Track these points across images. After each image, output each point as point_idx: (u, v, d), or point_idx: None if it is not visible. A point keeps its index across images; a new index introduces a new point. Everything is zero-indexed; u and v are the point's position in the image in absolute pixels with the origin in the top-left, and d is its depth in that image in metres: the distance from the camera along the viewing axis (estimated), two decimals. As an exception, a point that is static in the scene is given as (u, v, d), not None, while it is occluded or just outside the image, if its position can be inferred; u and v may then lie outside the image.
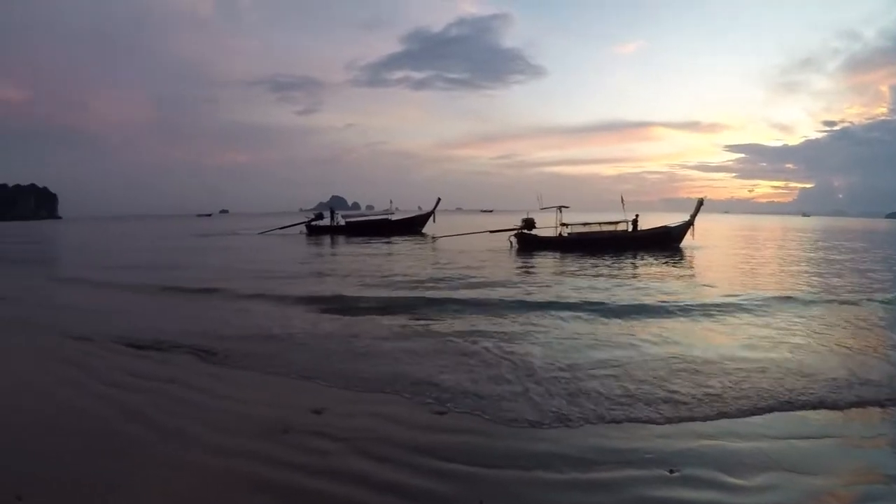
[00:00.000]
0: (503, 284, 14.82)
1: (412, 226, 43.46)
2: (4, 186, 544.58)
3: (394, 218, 45.71)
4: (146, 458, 4.80)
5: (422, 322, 10.25)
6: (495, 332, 9.16)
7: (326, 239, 40.30)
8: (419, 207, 56.75)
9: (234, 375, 7.26)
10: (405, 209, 57.55)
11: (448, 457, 4.71)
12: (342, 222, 45.76)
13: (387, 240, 36.08)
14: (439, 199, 43.86)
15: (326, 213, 47.35)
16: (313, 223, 46.32)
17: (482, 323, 9.96)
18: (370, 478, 4.39)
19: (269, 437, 5.16)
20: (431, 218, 42.90)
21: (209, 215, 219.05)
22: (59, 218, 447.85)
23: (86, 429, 5.47)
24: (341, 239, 39.58)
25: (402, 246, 31.34)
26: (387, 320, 10.39)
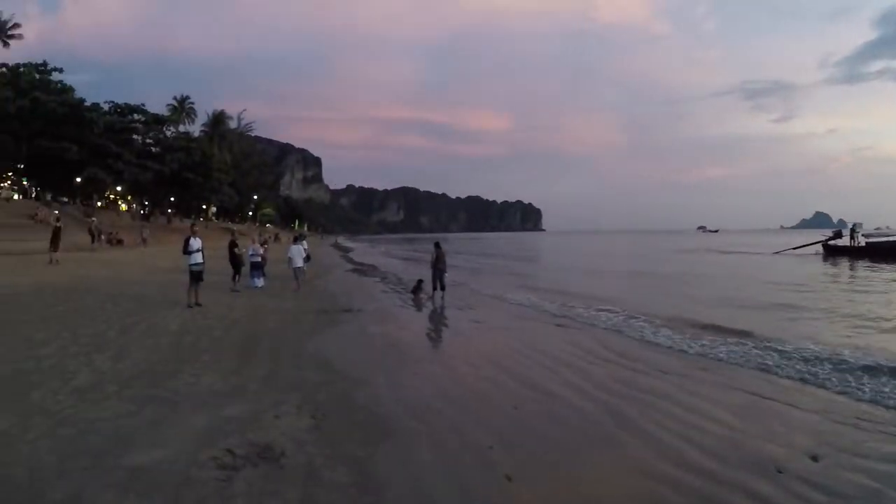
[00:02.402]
0: None
1: None
2: (495, 202, 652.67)
3: None
4: (623, 460, 5.60)
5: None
6: None
7: (845, 262, 37.55)
8: None
9: (730, 399, 7.74)
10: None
11: None
12: (863, 242, 41.31)
13: None
14: None
15: (846, 232, 44.25)
16: (830, 243, 44.10)
17: None
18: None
19: (761, 472, 5.29)
20: None
21: (716, 231, 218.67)
22: (543, 230, 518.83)
23: (580, 425, 6.55)
24: (862, 263, 35.82)
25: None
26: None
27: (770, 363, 9.94)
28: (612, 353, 10.78)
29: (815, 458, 5.61)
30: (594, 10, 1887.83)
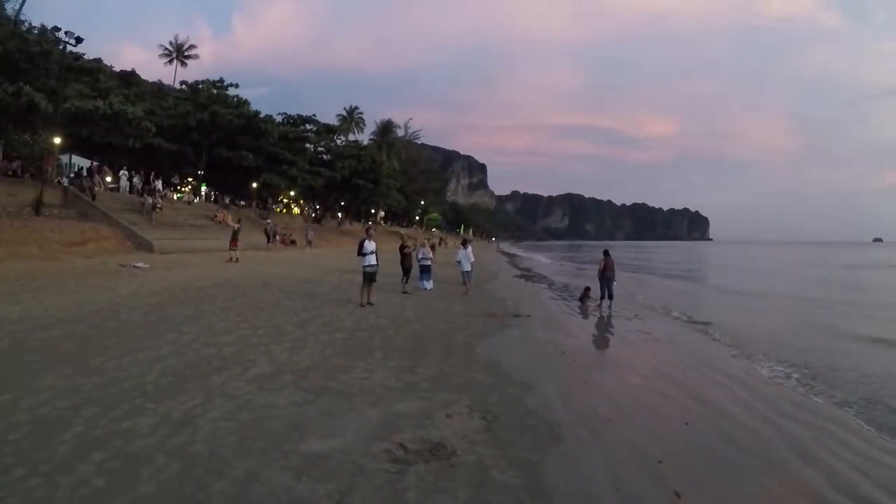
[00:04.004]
0: None
1: None
2: (661, 210, 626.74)
3: None
4: (793, 485, 5.35)
5: None
6: None
7: None
8: None
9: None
10: None
11: None
12: None
13: None
14: None
15: None
16: None
17: None
18: None
19: None
20: None
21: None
22: (710, 240, 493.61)
23: (751, 446, 6.26)
24: None
25: None
26: None
27: None
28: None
29: None
30: (760, 4, 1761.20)
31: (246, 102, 57.86)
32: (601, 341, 13.31)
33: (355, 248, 16.12)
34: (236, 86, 58.88)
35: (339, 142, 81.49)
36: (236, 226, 31.03)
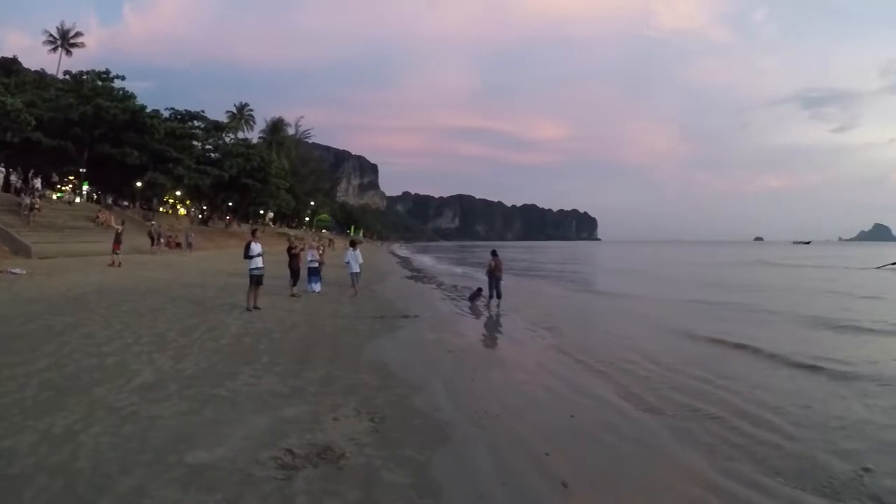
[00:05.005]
0: None
1: None
2: (551, 211, 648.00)
3: None
4: (679, 470, 5.66)
5: None
6: None
7: None
8: None
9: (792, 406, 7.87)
10: None
11: None
12: None
13: None
14: None
15: None
16: None
17: None
18: None
19: (815, 486, 5.35)
20: None
21: (807, 243, 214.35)
22: (599, 240, 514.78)
23: (637, 435, 6.58)
24: None
25: None
26: None
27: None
28: (679, 361, 10.76)
29: (866, 469, 5.69)
30: (655, 17, 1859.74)
31: (132, 96, 54.74)
32: (489, 340, 13.61)
33: (242, 251, 15.76)
34: (123, 77, 55.99)
35: (227, 140, 79.02)
36: (119, 228, 29.48)
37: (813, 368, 10.32)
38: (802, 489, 5.29)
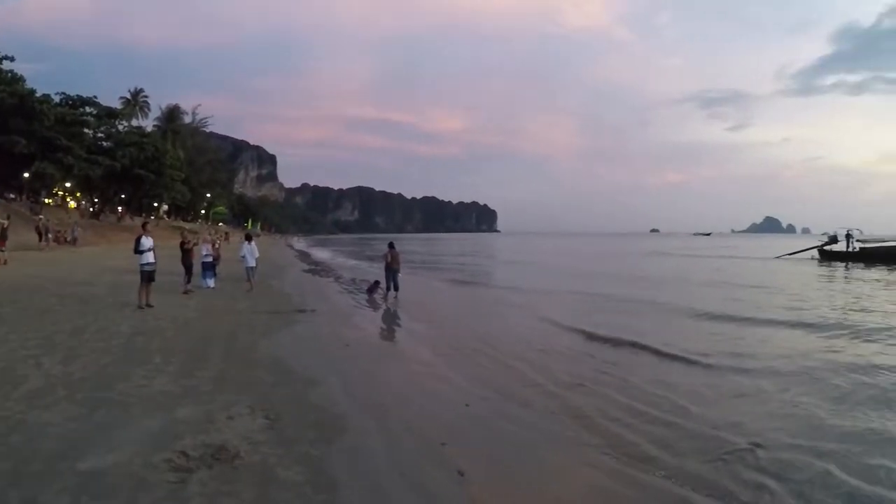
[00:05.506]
0: None
1: None
2: (451, 203, 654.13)
3: None
4: (575, 453, 5.99)
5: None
6: None
7: (840, 265, 40.13)
8: None
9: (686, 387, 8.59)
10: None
11: None
12: (857, 248, 44.48)
13: None
14: None
15: (842, 237, 45.92)
16: (826, 248, 46.31)
17: None
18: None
19: (707, 457, 5.87)
20: None
21: (708, 234, 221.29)
22: (498, 231, 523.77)
23: (533, 421, 6.95)
24: (857, 266, 38.66)
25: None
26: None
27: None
28: (568, 351, 11.27)
29: (757, 445, 6.14)
30: (560, 15, 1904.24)
31: (21, 78, 50.98)
32: (386, 332, 13.80)
33: (133, 246, 15.12)
34: (12, 59, 51.89)
35: (121, 128, 74.80)
36: (5, 222, 27.69)
37: (687, 361, 10.59)
38: (698, 466, 5.69)
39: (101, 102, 67.11)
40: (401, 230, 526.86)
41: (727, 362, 10.41)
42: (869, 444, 6.30)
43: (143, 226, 15.79)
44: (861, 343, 12.32)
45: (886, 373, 9.49)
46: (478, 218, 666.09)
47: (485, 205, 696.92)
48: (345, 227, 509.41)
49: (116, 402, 6.86)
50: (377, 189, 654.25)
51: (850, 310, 17.55)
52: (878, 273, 32.28)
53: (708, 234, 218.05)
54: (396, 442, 6.03)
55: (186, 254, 19.03)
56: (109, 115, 68.92)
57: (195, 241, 20.96)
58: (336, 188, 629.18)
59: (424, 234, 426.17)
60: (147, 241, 14.61)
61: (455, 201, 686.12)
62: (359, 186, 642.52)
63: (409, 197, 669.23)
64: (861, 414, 7.40)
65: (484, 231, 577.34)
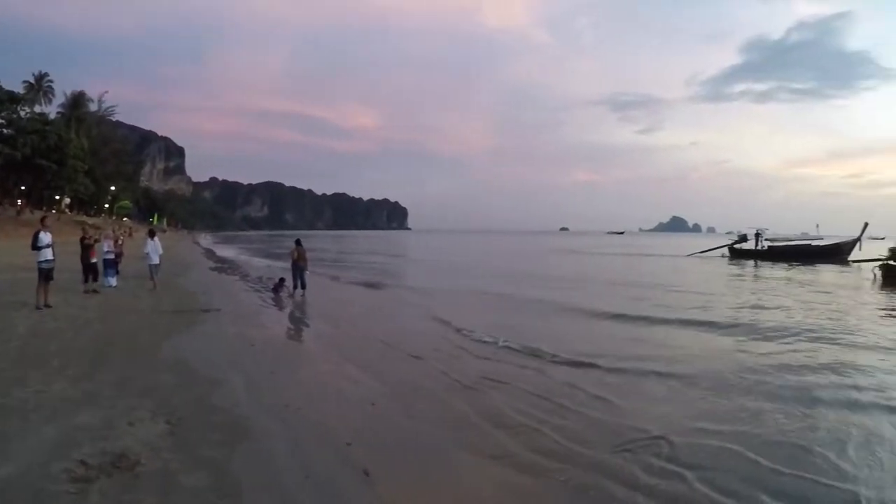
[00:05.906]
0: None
1: (838, 253, 43.35)
2: (361, 200, 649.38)
3: (821, 244, 46.18)
4: (482, 448, 6.14)
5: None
6: None
7: (749, 263, 42.93)
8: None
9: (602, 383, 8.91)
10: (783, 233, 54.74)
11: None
12: (766, 246, 47.12)
13: (812, 267, 37.55)
14: (866, 224, 42.56)
15: (751, 236, 48.12)
16: (736, 246, 48.51)
17: None
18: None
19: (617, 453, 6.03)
20: (857, 245, 42.41)
21: (621, 233, 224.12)
22: (409, 229, 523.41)
23: (440, 416, 7.15)
24: (765, 264, 41.67)
25: (829, 276, 32.27)
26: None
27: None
28: (470, 353, 11.30)
29: (668, 441, 6.43)
30: (481, 15, 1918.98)
31: None
32: (292, 332, 13.68)
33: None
34: None
35: (22, 114, 70.54)
36: None
37: (581, 364, 10.44)
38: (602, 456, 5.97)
39: (2, 86, 63.16)
40: (311, 227, 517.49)
41: (625, 365, 10.40)
42: (767, 428, 6.92)
43: (42, 220, 15.04)
44: (762, 342, 12.67)
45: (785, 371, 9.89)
46: (389, 215, 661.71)
47: (396, 202, 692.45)
48: (254, 224, 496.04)
49: (12, 409, 6.62)
50: (287, 185, 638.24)
51: (756, 307, 18.61)
52: (783, 272, 34.52)
53: (621, 233, 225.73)
54: (301, 443, 6.02)
55: (86, 250, 18.15)
56: (11, 99, 64.98)
57: (97, 236, 20.11)
58: (246, 183, 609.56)
59: (335, 230, 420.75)
60: (46, 237, 13.96)
61: (366, 198, 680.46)
62: (269, 182, 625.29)
63: (319, 193, 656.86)
64: (753, 403, 7.95)
65: (395, 228, 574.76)
